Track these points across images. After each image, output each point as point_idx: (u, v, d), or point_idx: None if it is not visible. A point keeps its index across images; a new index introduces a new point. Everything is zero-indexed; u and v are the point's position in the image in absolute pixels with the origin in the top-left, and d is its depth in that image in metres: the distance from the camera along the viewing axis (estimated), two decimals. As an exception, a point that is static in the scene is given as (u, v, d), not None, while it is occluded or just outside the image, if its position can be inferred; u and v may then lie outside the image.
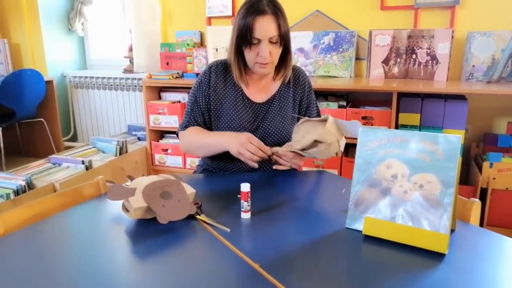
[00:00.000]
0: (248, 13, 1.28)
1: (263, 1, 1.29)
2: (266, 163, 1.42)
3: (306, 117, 1.24)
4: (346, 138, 1.25)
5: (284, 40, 1.33)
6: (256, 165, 1.24)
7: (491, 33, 2.32)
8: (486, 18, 2.39)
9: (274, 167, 1.29)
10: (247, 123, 1.38)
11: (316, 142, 1.17)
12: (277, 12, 1.29)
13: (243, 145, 1.21)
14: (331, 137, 1.16)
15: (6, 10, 3.59)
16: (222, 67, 1.42)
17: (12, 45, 3.62)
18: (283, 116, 1.40)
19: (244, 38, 1.29)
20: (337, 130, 1.18)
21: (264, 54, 1.28)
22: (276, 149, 1.24)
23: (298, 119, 1.40)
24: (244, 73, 1.40)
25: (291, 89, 1.44)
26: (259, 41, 1.28)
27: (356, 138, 0.97)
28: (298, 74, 1.46)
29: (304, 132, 1.21)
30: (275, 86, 1.43)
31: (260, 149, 1.21)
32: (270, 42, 1.29)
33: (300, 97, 1.45)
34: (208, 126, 1.43)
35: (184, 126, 1.42)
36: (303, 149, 1.20)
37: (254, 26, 1.27)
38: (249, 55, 1.32)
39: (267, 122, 1.39)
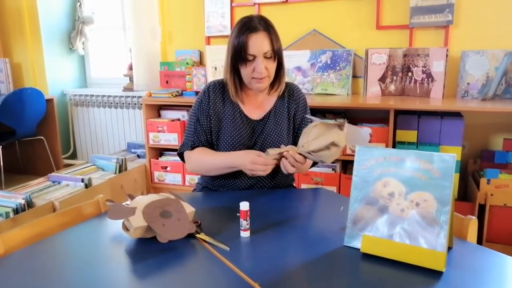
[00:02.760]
0: (241, 31, 1.33)
1: (254, 20, 1.35)
2: (265, 181, 1.43)
3: (320, 120, 1.25)
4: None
5: (277, 55, 1.37)
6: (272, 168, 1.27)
7: (484, 52, 2.37)
8: (479, 38, 2.45)
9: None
10: (245, 139, 1.41)
11: (330, 145, 1.18)
12: (269, 29, 1.35)
13: (252, 170, 1.26)
14: (344, 142, 1.19)
15: (8, 29, 3.65)
16: (219, 87, 1.46)
17: (13, 64, 3.67)
18: (279, 131, 1.43)
19: (239, 56, 1.34)
20: (347, 136, 1.21)
21: (260, 69, 1.33)
22: (288, 147, 1.25)
23: (306, 121, 1.43)
24: (240, 91, 1.43)
25: (286, 104, 1.47)
26: (254, 57, 1.33)
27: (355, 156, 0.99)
28: (292, 89, 1.50)
29: (316, 135, 1.21)
30: (270, 102, 1.47)
31: (268, 164, 1.25)
32: (265, 57, 1.34)
33: (294, 111, 1.48)
34: (212, 144, 1.45)
35: (190, 146, 1.44)
36: (313, 151, 1.21)
37: (248, 43, 1.32)
38: (245, 71, 1.36)
39: (264, 138, 1.42)
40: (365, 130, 1.20)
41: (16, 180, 3.15)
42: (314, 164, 1.49)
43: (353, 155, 1.00)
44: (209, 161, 1.40)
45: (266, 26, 1.35)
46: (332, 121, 1.23)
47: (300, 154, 1.24)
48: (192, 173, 2.87)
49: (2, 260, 0.94)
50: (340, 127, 1.20)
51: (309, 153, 1.22)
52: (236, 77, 1.41)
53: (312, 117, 1.31)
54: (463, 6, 2.45)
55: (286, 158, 1.24)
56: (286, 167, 1.25)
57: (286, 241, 0.99)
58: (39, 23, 3.53)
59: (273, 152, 1.25)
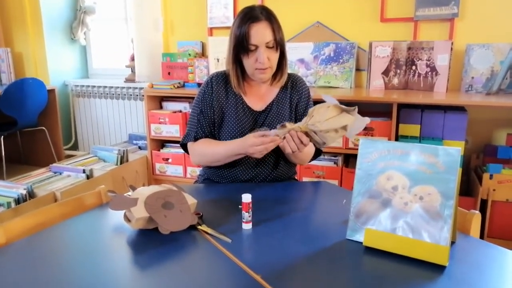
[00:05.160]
0: (243, 21, 1.32)
1: (256, 9, 1.34)
2: (267, 172, 1.43)
3: (334, 101, 1.22)
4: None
5: (280, 45, 1.36)
6: (280, 141, 1.23)
7: (489, 46, 2.35)
8: (484, 31, 2.42)
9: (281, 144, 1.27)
10: (247, 130, 1.41)
11: (339, 128, 1.18)
12: (271, 18, 1.34)
13: (255, 152, 1.24)
14: (350, 127, 1.19)
15: (10, 19, 3.63)
16: (222, 78, 1.45)
17: (15, 54, 3.65)
18: (281, 121, 1.42)
19: (241, 46, 1.33)
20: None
21: (263, 60, 1.32)
22: (295, 126, 1.22)
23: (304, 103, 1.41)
24: (242, 82, 1.42)
25: (288, 94, 1.46)
26: (256, 47, 1.32)
27: (357, 145, 0.98)
28: (296, 80, 1.49)
29: (330, 116, 1.19)
30: (273, 93, 1.46)
31: (266, 143, 1.21)
32: (267, 47, 1.33)
33: (297, 101, 1.47)
34: (215, 135, 1.45)
35: (194, 137, 1.43)
36: (321, 131, 1.19)
37: (250, 33, 1.31)
38: (248, 62, 1.35)
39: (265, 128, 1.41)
40: (366, 119, 1.20)
41: (17, 170, 3.15)
42: (315, 156, 1.48)
43: (355, 149, 0.99)
44: (213, 151, 1.39)
45: (268, 15, 1.34)
46: (345, 107, 1.21)
47: (305, 132, 1.22)
48: (194, 165, 2.86)
49: (3, 249, 0.94)
50: (350, 112, 1.19)
51: (315, 132, 1.20)
52: (239, 68, 1.40)
53: (327, 97, 1.27)
54: (469, -1, 2.43)
55: (292, 137, 1.22)
56: (289, 143, 1.22)
57: (288, 234, 0.99)
58: (41, 12, 3.51)
59: (290, 126, 1.22)
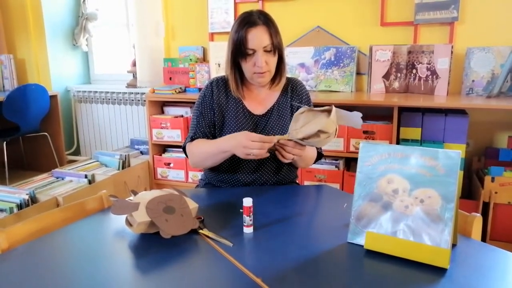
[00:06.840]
0: (240, 26, 1.34)
1: (253, 14, 1.35)
2: (268, 176, 1.43)
3: (307, 106, 1.23)
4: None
5: (277, 49, 1.37)
6: (267, 154, 1.23)
7: (490, 49, 2.35)
8: (485, 34, 2.43)
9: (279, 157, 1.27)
10: None
11: (318, 132, 1.17)
12: (268, 23, 1.35)
13: (246, 147, 1.21)
14: (333, 127, 1.18)
15: (13, 26, 3.66)
16: (222, 82, 1.46)
17: (17, 60, 3.68)
18: (281, 126, 1.43)
19: (239, 51, 1.34)
20: (337, 119, 1.19)
21: (261, 64, 1.33)
22: (278, 137, 1.23)
23: (297, 108, 1.41)
24: (241, 86, 1.43)
25: (289, 99, 1.47)
26: (254, 51, 1.33)
27: (358, 149, 0.98)
28: (295, 84, 1.50)
29: (304, 122, 1.20)
30: (273, 97, 1.46)
31: (265, 141, 1.20)
32: (265, 51, 1.34)
33: (297, 106, 1.47)
34: (215, 138, 1.45)
35: (191, 138, 1.44)
36: (302, 138, 1.19)
37: (248, 37, 1.32)
38: (246, 66, 1.36)
39: (266, 133, 1.41)
40: (356, 114, 1.19)
41: (20, 175, 3.17)
42: (318, 158, 1.48)
43: (357, 152, 1.00)
44: (202, 149, 1.38)
45: (266, 20, 1.35)
46: (320, 108, 1.20)
47: (291, 140, 1.22)
48: (195, 170, 2.87)
49: (6, 254, 0.94)
50: (328, 113, 1.18)
51: (300, 139, 1.20)
52: (237, 72, 1.41)
53: (299, 104, 1.30)
54: (468, 2, 2.43)
55: (283, 148, 1.23)
56: (283, 154, 1.23)
57: (289, 237, 0.99)
58: (43, 19, 3.54)
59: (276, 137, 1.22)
